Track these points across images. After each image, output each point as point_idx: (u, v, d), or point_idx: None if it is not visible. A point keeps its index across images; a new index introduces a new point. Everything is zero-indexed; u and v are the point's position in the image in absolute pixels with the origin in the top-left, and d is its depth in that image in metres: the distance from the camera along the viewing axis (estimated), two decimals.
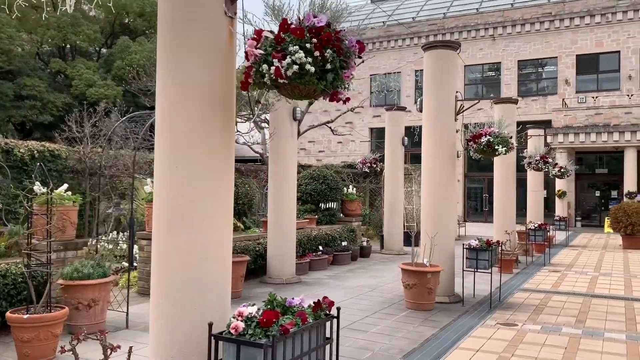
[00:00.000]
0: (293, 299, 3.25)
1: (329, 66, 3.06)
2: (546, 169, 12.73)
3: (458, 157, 19.71)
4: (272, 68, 3.01)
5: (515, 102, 13.11)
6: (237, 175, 14.04)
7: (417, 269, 7.48)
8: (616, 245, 17.30)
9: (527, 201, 17.81)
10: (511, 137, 7.90)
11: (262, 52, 3.05)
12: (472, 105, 8.32)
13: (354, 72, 3.27)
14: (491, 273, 7.86)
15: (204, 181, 3.40)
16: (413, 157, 31.93)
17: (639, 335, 6.35)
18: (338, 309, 3.36)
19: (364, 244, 13.46)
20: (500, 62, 29.47)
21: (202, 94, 3.37)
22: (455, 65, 8.46)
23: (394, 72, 32.25)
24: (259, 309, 3.03)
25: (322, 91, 3.14)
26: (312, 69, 3.00)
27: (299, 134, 12.22)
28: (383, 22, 32.94)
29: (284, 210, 9.50)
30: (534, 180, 17.64)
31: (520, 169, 15.85)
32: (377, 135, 33.40)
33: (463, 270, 8.01)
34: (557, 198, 25.46)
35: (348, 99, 3.41)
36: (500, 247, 8.29)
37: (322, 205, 13.89)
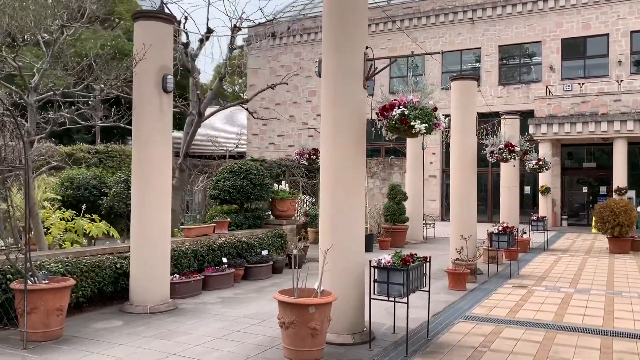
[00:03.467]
0: None
1: None
2: (512, 159, 10.39)
3: (424, 148, 17.39)
4: None
5: (476, 79, 10.76)
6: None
7: (293, 300, 5.12)
8: (602, 249, 15.01)
9: (500, 199, 15.51)
10: (436, 110, 5.53)
11: None
12: (388, 65, 5.99)
13: None
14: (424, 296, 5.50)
15: None
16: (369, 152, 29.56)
17: None
18: None
19: (295, 252, 11.04)
20: (479, 48, 27.12)
21: None
22: (365, 11, 6.09)
23: None
24: None
25: None
26: None
27: (203, 117, 9.82)
28: None
29: (150, 212, 7.12)
30: (508, 174, 15.35)
31: (497, 164, 13.51)
32: None
33: (370, 299, 5.64)
34: (540, 195, 23.18)
35: None
36: (428, 263, 5.94)
37: (247, 205, 11.55)
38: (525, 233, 14.91)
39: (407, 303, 5.47)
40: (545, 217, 16.03)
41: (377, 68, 6.00)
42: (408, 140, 17.27)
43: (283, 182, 11.89)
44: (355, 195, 5.99)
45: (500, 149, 10.40)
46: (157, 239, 7.15)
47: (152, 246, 7.08)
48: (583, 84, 24.18)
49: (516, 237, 10.75)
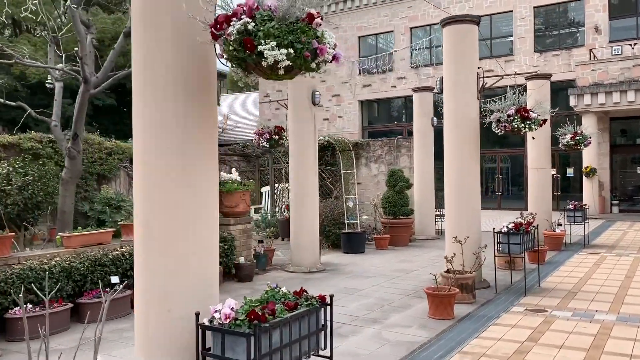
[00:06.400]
0: None
1: None
2: (527, 129, 7.45)
3: (434, 124, 14.44)
4: None
5: (476, 21, 7.88)
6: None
7: None
8: None
9: (528, 184, 12.47)
10: (311, 20, 2.77)
11: None
12: None
13: None
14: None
15: None
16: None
17: None
18: None
19: (242, 260, 8.51)
20: (512, 11, 23.66)
21: None
22: None
23: (385, 32, 26.90)
24: None
25: None
26: None
27: (92, 85, 7.34)
28: None
29: None
30: (537, 153, 12.27)
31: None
32: (369, 108, 28.27)
33: None
34: (584, 177, 19.80)
35: None
36: (329, 307, 3.28)
37: None
38: (560, 225, 11.89)
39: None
40: (586, 205, 12.88)
41: None
42: (415, 116, 14.36)
43: (233, 170, 9.33)
44: (191, 187, 3.39)
45: (509, 116, 7.49)
46: None
47: None
48: (635, 44, 20.48)
49: (535, 235, 7.85)
